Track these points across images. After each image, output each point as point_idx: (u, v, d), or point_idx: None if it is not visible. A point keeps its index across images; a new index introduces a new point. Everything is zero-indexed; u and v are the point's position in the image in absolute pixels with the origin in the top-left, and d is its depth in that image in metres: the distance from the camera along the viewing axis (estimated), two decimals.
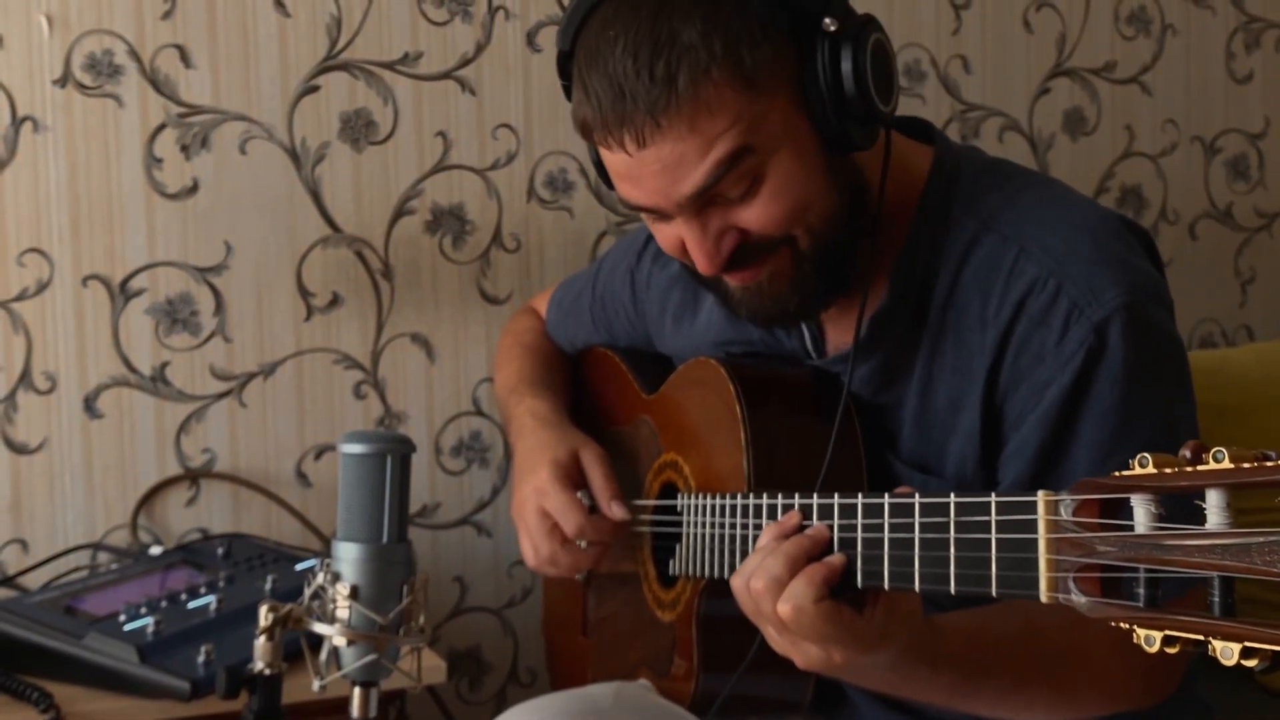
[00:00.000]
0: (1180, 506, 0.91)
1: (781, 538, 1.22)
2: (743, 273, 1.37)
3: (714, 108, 1.28)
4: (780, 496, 1.28)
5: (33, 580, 1.98)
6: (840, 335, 1.48)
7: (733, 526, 1.37)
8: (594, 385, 1.84)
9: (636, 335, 1.78)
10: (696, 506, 1.47)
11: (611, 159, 1.34)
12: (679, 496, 1.53)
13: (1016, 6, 2.42)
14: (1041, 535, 1.00)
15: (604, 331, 1.83)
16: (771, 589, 1.20)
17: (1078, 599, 0.96)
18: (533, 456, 1.65)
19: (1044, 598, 1.00)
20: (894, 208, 1.41)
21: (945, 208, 1.41)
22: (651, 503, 1.62)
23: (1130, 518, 0.92)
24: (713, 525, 1.43)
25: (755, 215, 1.33)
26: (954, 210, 1.41)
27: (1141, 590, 0.92)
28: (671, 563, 1.53)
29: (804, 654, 1.22)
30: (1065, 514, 0.98)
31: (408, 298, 2.15)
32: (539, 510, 1.61)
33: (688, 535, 1.49)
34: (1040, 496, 1.01)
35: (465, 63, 2.15)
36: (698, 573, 1.47)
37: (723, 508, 1.40)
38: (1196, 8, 2.52)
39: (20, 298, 1.99)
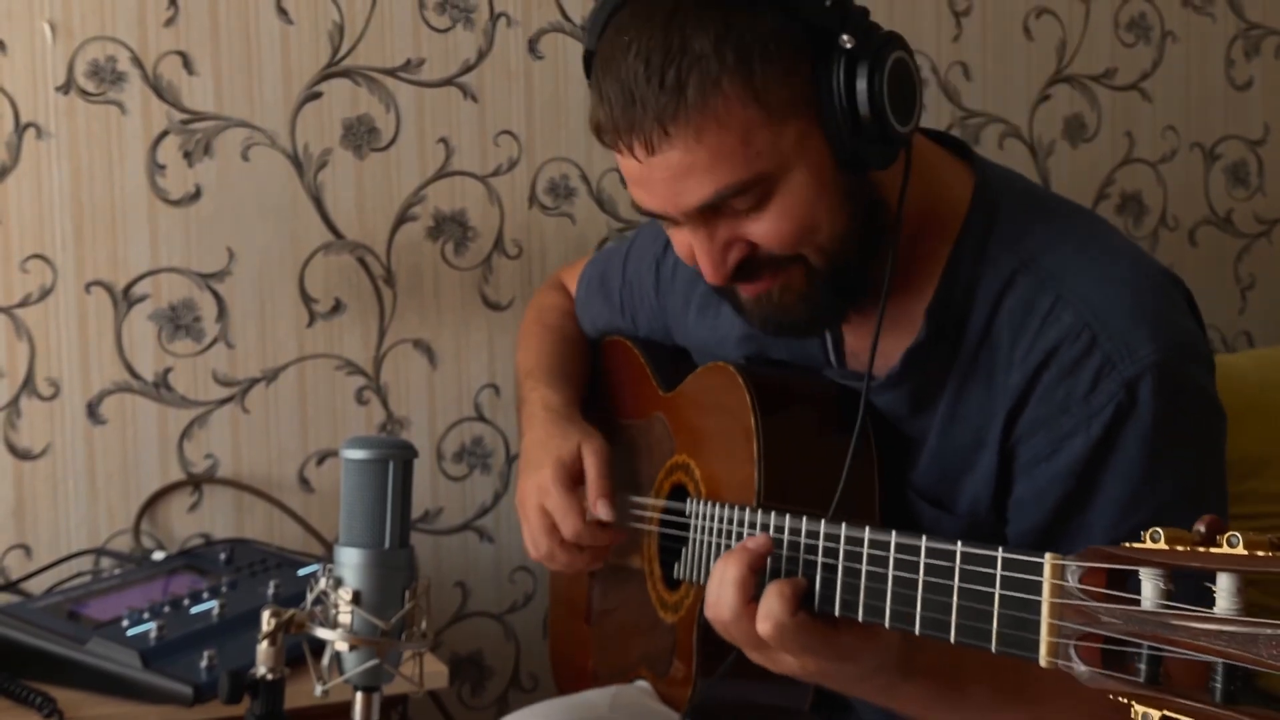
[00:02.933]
0: (1190, 582, 0.90)
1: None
2: (752, 284, 1.36)
3: (722, 120, 1.26)
4: (788, 517, 1.27)
5: (36, 585, 1.99)
6: (861, 341, 1.47)
7: (739, 538, 1.36)
8: (611, 375, 1.84)
9: (656, 326, 1.78)
10: (705, 513, 1.46)
11: (624, 163, 1.33)
12: (688, 501, 1.53)
13: (1017, 13, 2.42)
14: (1045, 598, 0.99)
15: (629, 317, 1.82)
16: (739, 615, 1.23)
17: (1078, 667, 0.95)
18: (539, 451, 1.67)
19: (1044, 662, 0.99)
20: (932, 234, 1.39)
21: (983, 240, 1.39)
22: (660, 503, 1.62)
23: (1138, 589, 0.91)
24: (720, 534, 1.43)
25: (763, 230, 1.31)
26: (991, 244, 1.38)
27: (1143, 666, 0.91)
28: (676, 565, 1.53)
29: (780, 664, 1.25)
30: (1071, 580, 0.97)
31: (410, 304, 2.15)
32: (539, 508, 1.64)
33: (694, 541, 1.49)
34: (1047, 559, 0.99)
35: (467, 69, 2.16)
36: (702, 579, 1.47)
37: (730, 518, 1.40)
38: (1196, 14, 2.53)
39: (24, 304, 2.00)
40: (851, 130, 1.29)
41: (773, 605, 1.21)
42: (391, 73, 2.12)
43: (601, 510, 1.61)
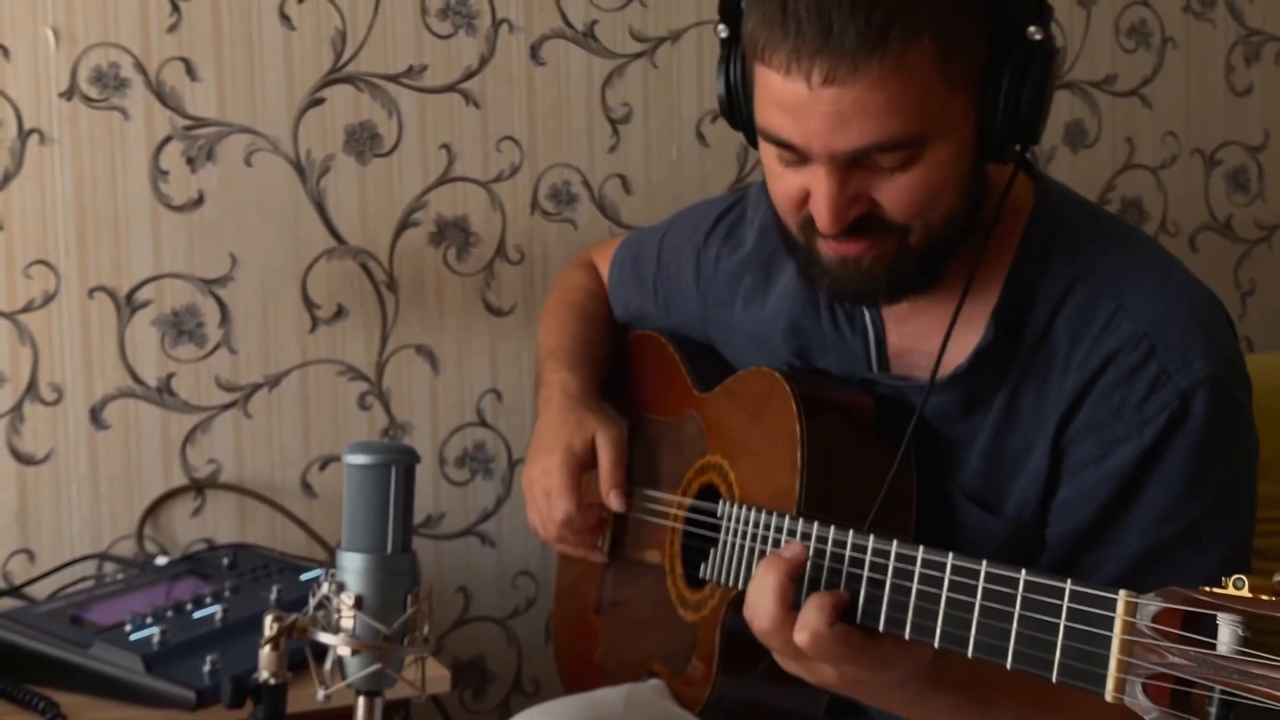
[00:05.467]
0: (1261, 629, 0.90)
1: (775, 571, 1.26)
2: (852, 244, 1.34)
3: (910, 73, 1.24)
4: (832, 529, 1.26)
5: (39, 590, 1.99)
6: (907, 342, 1.47)
7: (777, 545, 1.36)
8: (642, 370, 1.82)
9: (691, 316, 1.75)
10: (739, 516, 1.46)
11: (780, 86, 1.28)
12: (720, 502, 1.52)
13: None
14: (1116, 634, 0.99)
15: (662, 302, 1.80)
16: (778, 624, 1.23)
17: (1144, 705, 0.95)
18: (551, 436, 1.69)
19: (1109, 697, 0.98)
20: (996, 238, 1.40)
21: (1045, 249, 1.40)
22: (687, 500, 1.62)
23: (1211, 632, 0.91)
24: (754, 539, 1.42)
25: (894, 192, 1.30)
26: (1053, 253, 1.40)
27: (1214, 710, 0.90)
28: (703, 565, 1.52)
29: (817, 674, 1.25)
30: (1144, 618, 0.96)
31: (412, 309, 2.16)
32: (544, 491, 1.67)
33: (725, 543, 1.48)
34: (1121, 596, 0.99)
35: (469, 75, 2.16)
36: (731, 582, 1.46)
37: (770, 524, 1.39)
38: (1197, 21, 2.53)
39: (27, 309, 2.00)
40: (1007, 118, 1.29)
41: (811, 616, 1.21)
42: (394, 79, 2.13)
43: (614, 501, 1.62)
